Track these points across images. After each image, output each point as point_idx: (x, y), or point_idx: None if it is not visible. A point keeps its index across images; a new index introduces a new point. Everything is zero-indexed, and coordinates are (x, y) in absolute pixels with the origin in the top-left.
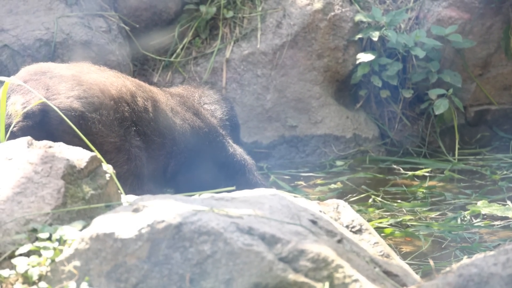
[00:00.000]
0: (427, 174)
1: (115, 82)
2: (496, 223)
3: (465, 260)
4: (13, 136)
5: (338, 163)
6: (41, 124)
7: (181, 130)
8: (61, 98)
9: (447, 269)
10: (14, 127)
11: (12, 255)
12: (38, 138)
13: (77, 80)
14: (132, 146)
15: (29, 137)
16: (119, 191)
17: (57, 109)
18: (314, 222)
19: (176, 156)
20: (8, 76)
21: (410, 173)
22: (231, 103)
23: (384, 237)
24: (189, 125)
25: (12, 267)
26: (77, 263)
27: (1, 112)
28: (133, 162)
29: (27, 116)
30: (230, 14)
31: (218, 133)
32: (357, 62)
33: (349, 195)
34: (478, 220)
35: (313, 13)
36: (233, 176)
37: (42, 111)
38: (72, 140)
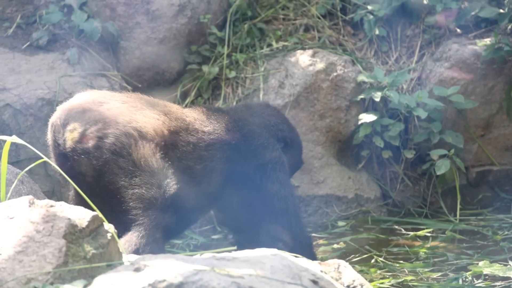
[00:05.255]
0: (429, 234)
1: (166, 121)
2: (497, 283)
3: None
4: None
5: (340, 223)
6: (93, 156)
7: (214, 138)
8: (119, 127)
9: None
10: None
11: None
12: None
13: (133, 117)
14: (166, 179)
15: (30, 196)
16: (120, 250)
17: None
18: (315, 282)
19: (215, 168)
20: (10, 135)
21: (412, 233)
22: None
23: None
24: (225, 125)
25: None
26: None
27: (3, 172)
28: (162, 190)
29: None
30: (233, 74)
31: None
32: (359, 122)
33: (352, 256)
34: (479, 280)
35: (316, 73)
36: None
37: (96, 147)
38: (117, 171)
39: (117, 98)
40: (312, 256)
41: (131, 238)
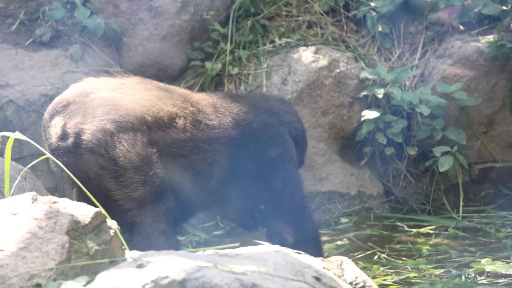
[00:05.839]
0: (431, 231)
1: (154, 106)
2: (500, 280)
3: None
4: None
5: (343, 220)
6: (74, 153)
7: (222, 130)
8: (95, 121)
9: None
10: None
11: None
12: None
13: (115, 105)
14: (152, 169)
15: (33, 193)
16: (123, 247)
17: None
18: (317, 279)
19: (218, 162)
20: (13, 131)
21: (414, 230)
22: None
23: None
24: (233, 118)
25: None
26: None
27: (6, 168)
28: (148, 186)
29: (63, 148)
30: (236, 70)
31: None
32: (362, 119)
33: (355, 252)
34: (482, 277)
35: (318, 70)
36: (275, 171)
37: (75, 145)
38: (100, 171)
39: (109, 85)
40: (319, 251)
41: (137, 243)
